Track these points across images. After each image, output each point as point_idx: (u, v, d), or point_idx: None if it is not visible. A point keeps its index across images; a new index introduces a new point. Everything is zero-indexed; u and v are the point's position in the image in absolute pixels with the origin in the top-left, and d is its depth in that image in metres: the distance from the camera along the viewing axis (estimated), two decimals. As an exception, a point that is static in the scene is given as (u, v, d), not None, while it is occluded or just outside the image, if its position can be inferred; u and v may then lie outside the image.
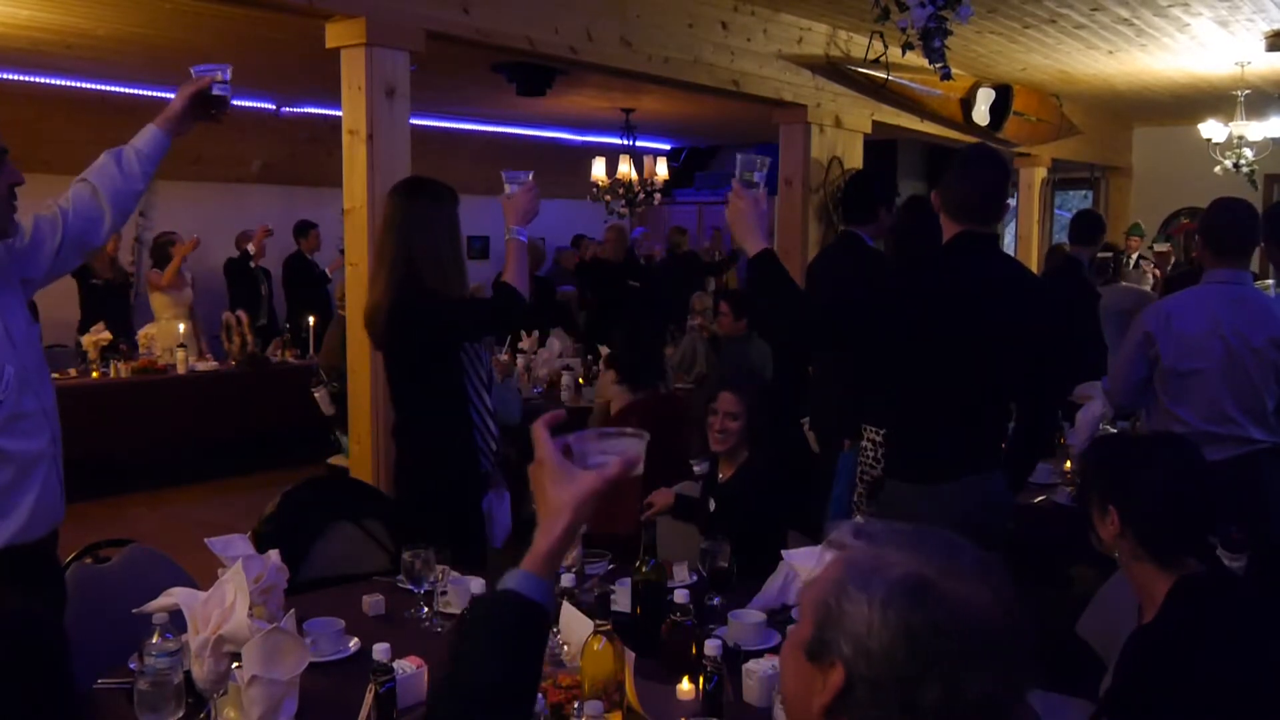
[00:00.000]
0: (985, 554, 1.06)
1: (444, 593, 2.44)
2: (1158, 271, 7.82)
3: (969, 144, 3.43)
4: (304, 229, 8.74)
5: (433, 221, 2.95)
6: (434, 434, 3.00)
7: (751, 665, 2.03)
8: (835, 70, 6.06)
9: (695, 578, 2.59)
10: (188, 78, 2.47)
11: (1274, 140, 8.25)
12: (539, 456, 1.24)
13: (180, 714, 1.76)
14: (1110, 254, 6.58)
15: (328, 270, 8.65)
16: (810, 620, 1.05)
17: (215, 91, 2.47)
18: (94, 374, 6.68)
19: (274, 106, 8.48)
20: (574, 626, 2.04)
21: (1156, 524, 1.94)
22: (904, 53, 4.43)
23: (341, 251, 5.97)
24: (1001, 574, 1.04)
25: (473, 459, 3.03)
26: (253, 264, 8.43)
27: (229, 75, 2.48)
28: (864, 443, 3.92)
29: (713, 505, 3.10)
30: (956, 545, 1.06)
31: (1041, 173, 9.20)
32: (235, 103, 2.55)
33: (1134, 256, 8.14)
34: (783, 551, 2.51)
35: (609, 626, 1.84)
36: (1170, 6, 5.61)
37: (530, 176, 3.06)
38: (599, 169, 8.79)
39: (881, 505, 2.86)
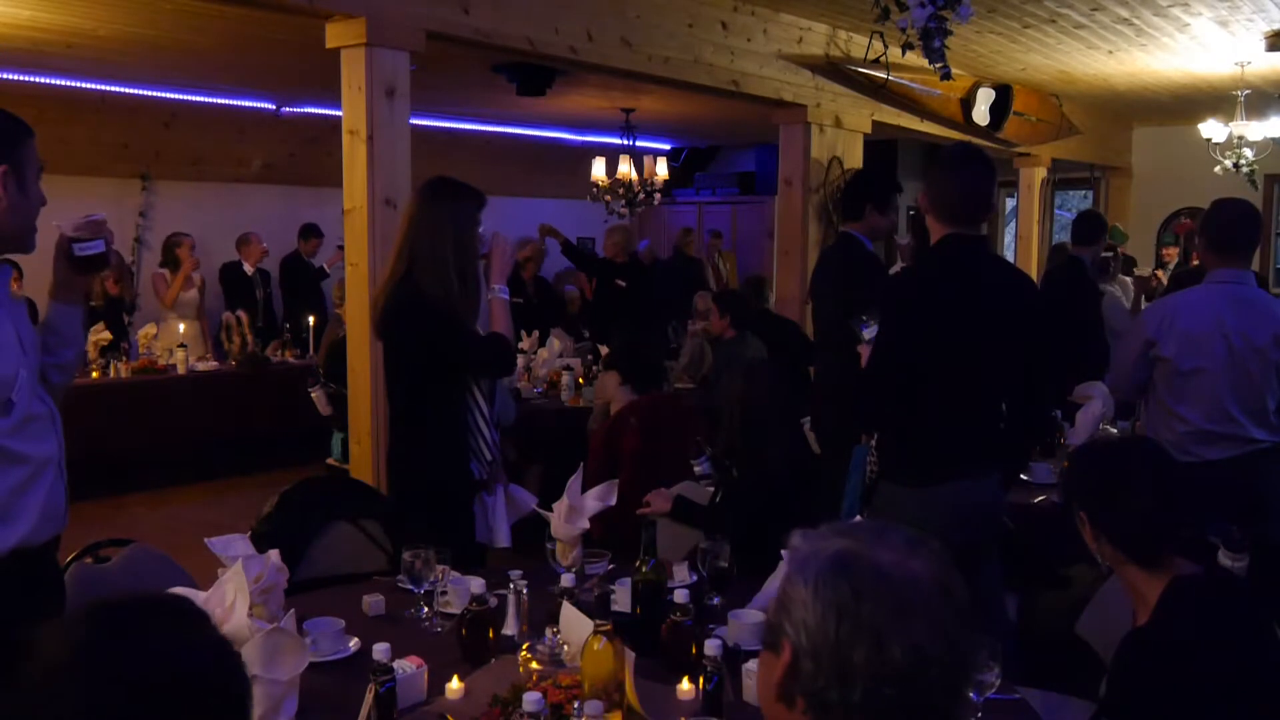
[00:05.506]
0: (920, 536, 1.13)
1: (444, 593, 2.43)
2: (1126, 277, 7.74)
3: (951, 144, 3.41)
4: (307, 233, 8.71)
5: (428, 220, 2.92)
6: (424, 431, 2.97)
7: (751, 665, 2.02)
8: (835, 70, 6.06)
9: (695, 578, 2.59)
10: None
11: (1274, 140, 8.26)
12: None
13: (180, 714, 1.76)
14: (1110, 254, 6.59)
15: (325, 265, 8.60)
16: (769, 617, 1.16)
17: (78, 254, 2.18)
18: (94, 374, 6.67)
19: (274, 106, 8.45)
20: (574, 626, 2.04)
21: (1123, 531, 1.94)
22: (904, 53, 4.43)
23: (340, 248, 5.96)
24: (936, 553, 1.11)
25: (463, 461, 2.97)
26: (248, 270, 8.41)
27: (102, 224, 2.18)
28: (872, 441, 3.92)
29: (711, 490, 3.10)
30: (888, 528, 1.14)
31: (1041, 173, 9.20)
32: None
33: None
34: (783, 551, 2.50)
35: (609, 626, 1.84)
36: (1170, 6, 5.61)
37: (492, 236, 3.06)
38: (599, 169, 8.77)
39: (875, 509, 2.85)
